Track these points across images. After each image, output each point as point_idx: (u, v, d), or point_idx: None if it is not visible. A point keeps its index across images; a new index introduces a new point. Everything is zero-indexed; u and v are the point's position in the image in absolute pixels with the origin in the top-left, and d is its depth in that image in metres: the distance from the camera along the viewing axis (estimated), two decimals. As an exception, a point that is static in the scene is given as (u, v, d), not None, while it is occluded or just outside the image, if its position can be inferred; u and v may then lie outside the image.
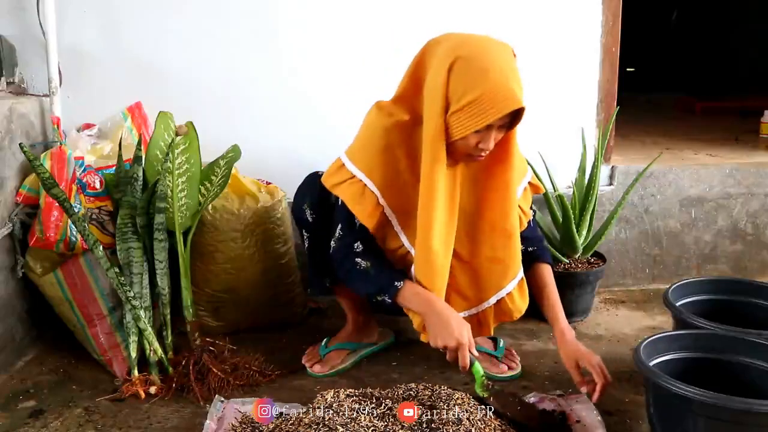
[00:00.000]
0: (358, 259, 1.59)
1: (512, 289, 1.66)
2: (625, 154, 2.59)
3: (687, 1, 5.83)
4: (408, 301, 1.56)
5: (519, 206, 1.65)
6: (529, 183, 1.70)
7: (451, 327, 1.49)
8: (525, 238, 1.71)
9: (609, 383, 1.53)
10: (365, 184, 1.55)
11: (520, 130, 2.20)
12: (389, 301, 1.56)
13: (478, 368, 1.50)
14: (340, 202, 1.61)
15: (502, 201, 1.58)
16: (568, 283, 2.06)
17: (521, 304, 1.69)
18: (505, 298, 1.66)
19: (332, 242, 1.63)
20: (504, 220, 1.59)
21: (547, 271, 1.74)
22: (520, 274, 1.67)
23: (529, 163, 2.06)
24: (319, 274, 1.77)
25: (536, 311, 2.13)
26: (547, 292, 1.71)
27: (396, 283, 1.55)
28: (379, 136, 1.55)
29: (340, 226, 1.62)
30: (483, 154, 1.49)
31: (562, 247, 2.14)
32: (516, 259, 1.65)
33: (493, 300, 1.66)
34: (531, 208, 1.73)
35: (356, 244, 1.60)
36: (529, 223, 1.71)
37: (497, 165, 1.56)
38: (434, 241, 1.52)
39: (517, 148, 1.60)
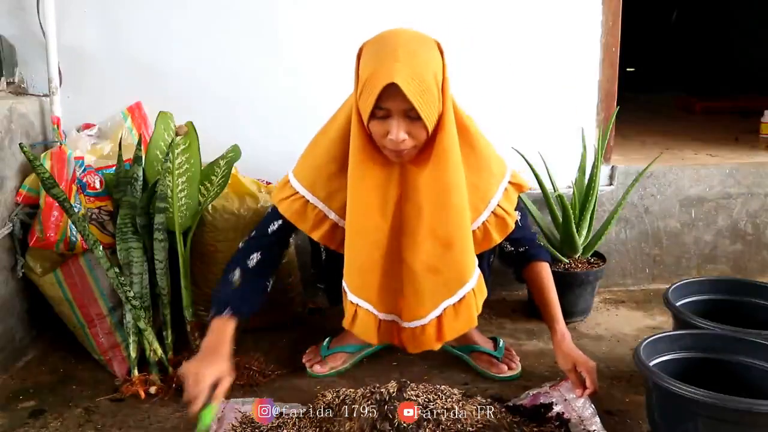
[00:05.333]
0: (237, 272, 1.58)
1: (448, 306, 1.55)
2: (625, 154, 2.59)
3: (687, 1, 5.83)
4: (209, 330, 1.50)
5: (502, 208, 1.59)
6: (510, 183, 1.63)
7: (190, 379, 1.36)
8: (515, 239, 1.70)
9: (597, 392, 1.54)
10: (308, 200, 1.55)
11: (521, 128, 2.24)
12: (209, 316, 1.53)
13: (205, 417, 1.34)
14: (266, 213, 1.68)
15: (441, 207, 1.48)
16: (568, 283, 2.06)
17: (457, 324, 1.56)
18: (442, 316, 1.56)
19: (241, 243, 1.65)
20: (443, 227, 1.49)
21: (543, 270, 1.72)
22: (461, 293, 1.54)
23: (528, 163, 2.09)
24: (337, 284, 1.68)
25: (536, 311, 2.13)
26: (545, 292, 1.70)
27: (224, 310, 1.50)
28: (322, 149, 1.55)
29: (254, 232, 1.66)
30: (398, 147, 1.42)
31: (562, 247, 2.14)
32: (458, 274, 1.53)
33: (431, 316, 1.55)
34: (518, 208, 1.67)
35: (254, 255, 1.61)
36: (516, 224, 1.65)
37: (430, 167, 1.47)
38: (359, 241, 1.51)
39: (469, 149, 1.52)
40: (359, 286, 1.55)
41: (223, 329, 1.49)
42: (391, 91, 1.35)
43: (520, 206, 1.71)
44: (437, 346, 1.60)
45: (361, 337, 1.63)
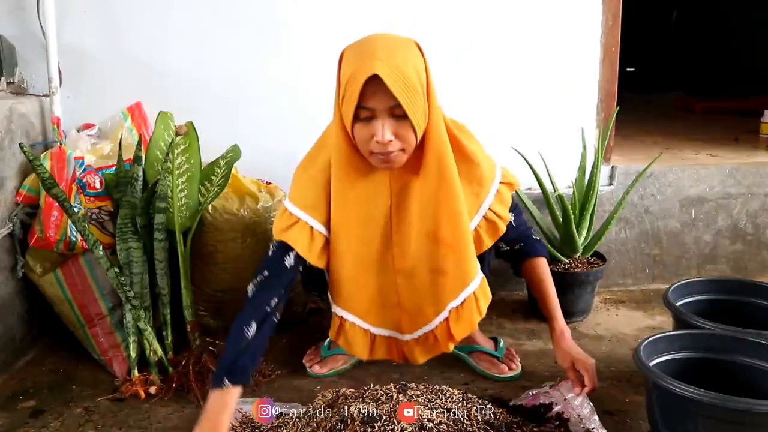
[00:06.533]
0: (254, 324, 1.41)
1: (452, 308, 1.54)
2: (625, 154, 2.59)
3: (687, 1, 5.83)
4: (208, 400, 1.32)
5: (493, 212, 1.57)
6: (502, 183, 1.59)
7: None
8: (510, 240, 1.68)
9: (596, 389, 1.53)
10: (312, 226, 1.49)
11: (521, 128, 2.24)
12: (212, 384, 1.35)
13: None
14: (270, 252, 1.52)
15: (440, 211, 1.47)
16: (568, 283, 2.06)
17: (458, 328, 1.55)
18: (448, 319, 1.55)
19: (250, 285, 1.48)
20: (444, 230, 1.48)
21: (539, 266, 1.70)
22: (463, 295, 1.54)
23: (528, 163, 2.09)
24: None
25: (536, 311, 2.13)
26: (542, 288, 1.68)
27: (225, 381, 1.32)
28: (315, 173, 1.50)
29: (266, 272, 1.49)
30: (385, 149, 1.37)
31: (562, 247, 2.14)
32: (463, 275, 1.52)
33: (438, 320, 1.55)
34: (513, 207, 1.65)
35: (274, 299, 1.46)
36: (510, 224, 1.63)
37: (423, 173, 1.45)
38: (346, 256, 1.48)
39: (463, 153, 1.50)
40: (346, 300, 1.54)
41: (219, 401, 1.32)
42: (374, 88, 1.32)
43: (515, 203, 1.69)
44: (450, 348, 1.59)
45: (348, 351, 1.60)
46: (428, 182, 1.46)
